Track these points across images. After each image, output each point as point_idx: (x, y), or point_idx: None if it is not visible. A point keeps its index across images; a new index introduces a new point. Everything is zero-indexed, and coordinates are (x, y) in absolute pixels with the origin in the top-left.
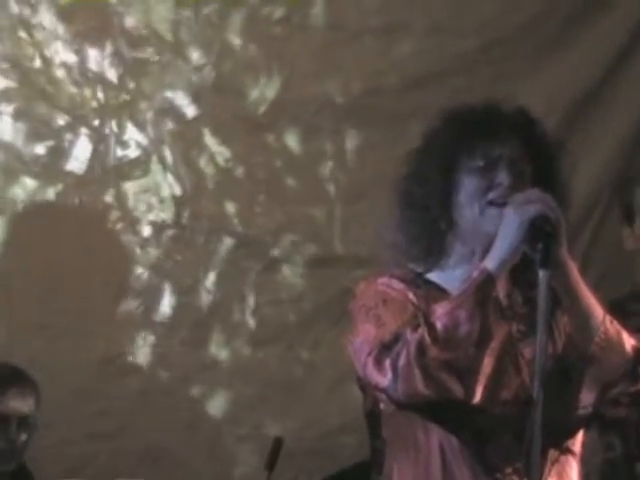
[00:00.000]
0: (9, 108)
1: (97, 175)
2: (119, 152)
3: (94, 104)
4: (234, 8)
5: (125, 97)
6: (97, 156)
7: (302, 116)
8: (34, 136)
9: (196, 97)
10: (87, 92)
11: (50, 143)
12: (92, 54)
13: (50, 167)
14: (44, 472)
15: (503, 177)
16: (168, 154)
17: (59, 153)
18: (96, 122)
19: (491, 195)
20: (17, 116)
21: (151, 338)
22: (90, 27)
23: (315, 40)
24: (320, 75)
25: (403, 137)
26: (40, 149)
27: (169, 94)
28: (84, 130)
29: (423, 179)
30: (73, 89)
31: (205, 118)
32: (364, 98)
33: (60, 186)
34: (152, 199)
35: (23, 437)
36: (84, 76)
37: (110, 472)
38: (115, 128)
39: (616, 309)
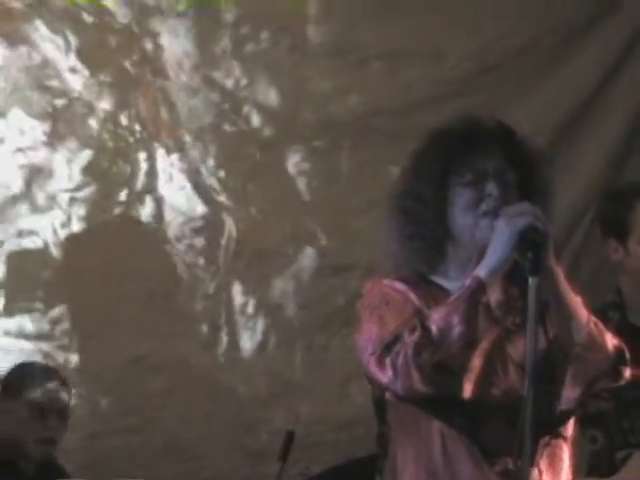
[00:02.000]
0: None
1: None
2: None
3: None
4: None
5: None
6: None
7: (311, 136)
8: None
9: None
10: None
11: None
12: None
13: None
14: (72, 464)
15: (492, 188)
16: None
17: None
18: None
19: (483, 207)
20: None
21: (174, 339)
22: None
23: (323, 65)
24: (327, 98)
25: (405, 156)
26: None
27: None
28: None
29: (417, 196)
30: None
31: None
32: (368, 119)
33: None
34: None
35: (61, 427)
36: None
37: (135, 465)
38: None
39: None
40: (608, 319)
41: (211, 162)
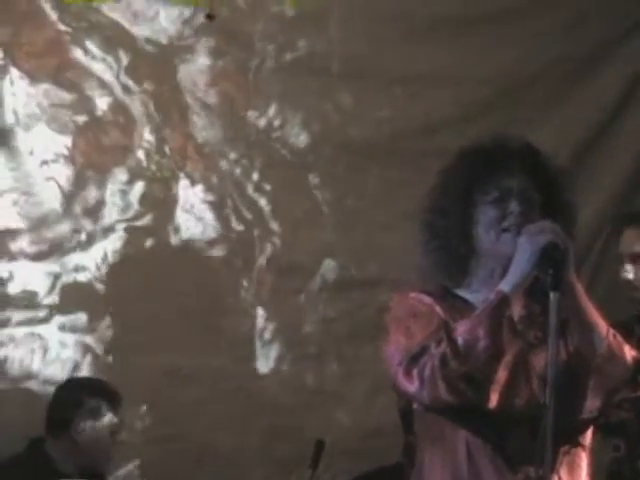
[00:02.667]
0: None
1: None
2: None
3: None
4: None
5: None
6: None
7: (337, 157)
8: None
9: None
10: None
11: None
12: None
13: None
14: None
15: (514, 207)
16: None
17: None
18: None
19: (505, 223)
20: None
21: (207, 353)
22: None
23: (349, 88)
24: (353, 120)
25: (427, 175)
26: None
27: None
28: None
29: (444, 213)
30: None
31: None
32: (392, 140)
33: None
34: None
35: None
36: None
37: (170, 474)
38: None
39: (621, 329)
40: (632, 333)
41: (244, 184)
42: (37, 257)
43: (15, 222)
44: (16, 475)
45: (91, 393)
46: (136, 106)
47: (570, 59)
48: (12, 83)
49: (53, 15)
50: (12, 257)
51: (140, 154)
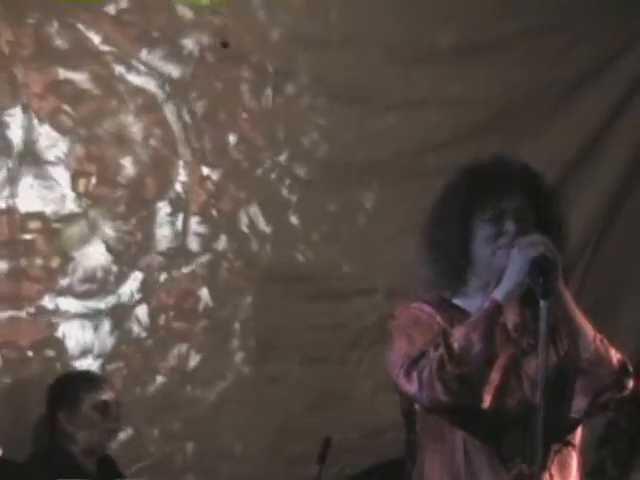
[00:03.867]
0: None
1: None
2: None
3: None
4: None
5: None
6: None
7: (342, 175)
8: None
9: None
10: None
11: None
12: None
13: None
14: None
15: (510, 226)
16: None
17: None
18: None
19: (501, 241)
20: None
21: (223, 355)
22: None
23: (353, 111)
24: (357, 140)
25: (425, 191)
26: None
27: None
28: None
29: (444, 228)
30: None
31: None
32: (393, 160)
33: None
34: None
35: (119, 416)
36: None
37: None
38: None
39: None
40: None
41: (253, 203)
42: None
43: None
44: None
45: (92, 378)
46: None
47: (558, 83)
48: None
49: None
50: None
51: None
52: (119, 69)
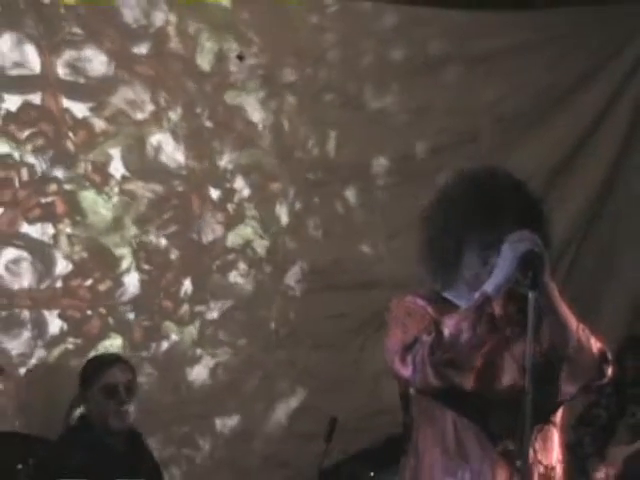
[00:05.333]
0: None
1: None
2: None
3: None
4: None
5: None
6: None
7: (352, 176)
8: None
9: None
10: None
11: None
12: None
13: None
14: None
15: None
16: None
17: None
18: None
19: (487, 267)
20: None
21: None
22: None
23: (363, 118)
24: (366, 145)
25: (427, 191)
26: None
27: None
28: None
29: (441, 233)
30: None
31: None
32: (400, 161)
33: None
34: None
35: (130, 401)
36: None
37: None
38: None
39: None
40: None
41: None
42: None
43: None
44: (73, 446)
45: (109, 361)
46: None
47: (545, 95)
48: None
49: None
50: None
51: None
52: None
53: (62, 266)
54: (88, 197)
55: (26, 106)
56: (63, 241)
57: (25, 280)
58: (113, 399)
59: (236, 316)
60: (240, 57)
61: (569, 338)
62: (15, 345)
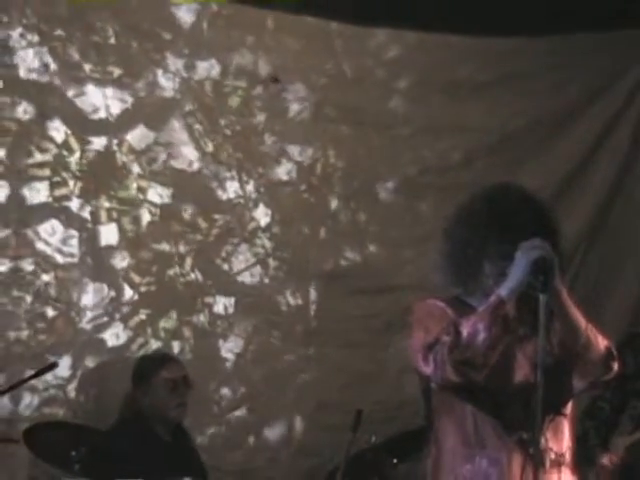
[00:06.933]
0: None
1: None
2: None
3: None
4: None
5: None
6: None
7: (373, 190)
8: None
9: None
10: None
11: None
12: None
13: None
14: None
15: None
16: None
17: None
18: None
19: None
20: None
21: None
22: None
23: (381, 137)
24: (385, 161)
25: (445, 203)
26: None
27: None
28: None
29: (462, 246)
30: None
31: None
32: (416, 177)
33: None
34: None
35: (188, 392)
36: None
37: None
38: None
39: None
40: None
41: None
42: None
43: None
44: (122, 435)
45: (164, 358)
46: None
47: (552, 114)
48: None
49: None
50: None
51: None
52: None
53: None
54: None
55: None
56: None
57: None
58: (174, 393)
59: (271, 315)
60: (275, 79)
61: (578, 337)
62: None
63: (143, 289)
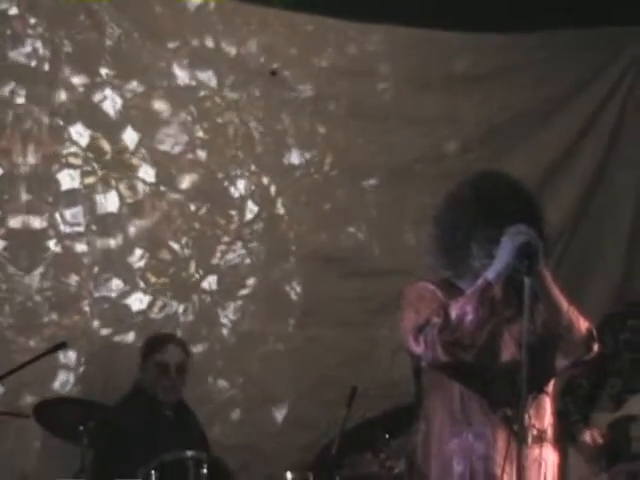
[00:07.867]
0: None
1: None
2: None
3: None
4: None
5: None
6: None
7: (370, 176)
8: None
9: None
10: None
11: None
12: None
13: None
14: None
15: None
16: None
17: None
18: None
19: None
20: None
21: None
22: None
23: (379, 128)
24: (381, 149)
25: (438, 191)
26: None
27: None
28: None
29: (451, 231)
30: None
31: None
32: (411, 165)
33: None
34: None
35: (180, 378)
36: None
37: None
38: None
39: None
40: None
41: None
42: None
43: None
44: (128, 411)
45: (164, 341)
46: None
47: (538, 106)
48: None
49: None
50: None
51: None
52: None
53: None
54: None
55: None
56: None
57: None
58: (164, 376)
59: (269, 297)
60: (273, 72)
61: (561, 318)
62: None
63: None
